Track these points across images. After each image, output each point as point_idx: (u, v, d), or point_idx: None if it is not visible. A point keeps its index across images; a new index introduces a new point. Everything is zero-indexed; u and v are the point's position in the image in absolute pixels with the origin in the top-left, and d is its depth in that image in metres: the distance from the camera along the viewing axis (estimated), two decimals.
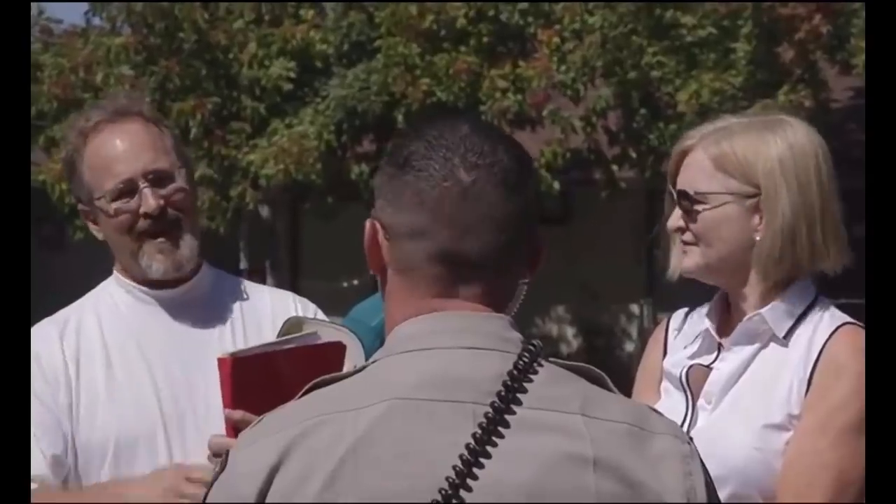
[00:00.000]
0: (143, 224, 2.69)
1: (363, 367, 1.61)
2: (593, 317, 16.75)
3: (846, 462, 2.31)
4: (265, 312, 2.81)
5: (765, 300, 2.43)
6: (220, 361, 2.42)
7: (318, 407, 1.57)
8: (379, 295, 1.68)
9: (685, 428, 2.41)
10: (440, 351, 1.57)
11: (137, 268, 2.74)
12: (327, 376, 1.62)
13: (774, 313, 2.42)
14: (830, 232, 2.40)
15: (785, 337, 2.42)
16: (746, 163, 2.40)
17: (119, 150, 2.69)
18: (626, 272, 17.71)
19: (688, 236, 2.43)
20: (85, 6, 15.21)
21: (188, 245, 2.73)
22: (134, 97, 2.87)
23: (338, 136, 14.64)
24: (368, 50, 14.89)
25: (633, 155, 14.92)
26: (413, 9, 14.32)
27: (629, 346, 17.88)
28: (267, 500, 1.53)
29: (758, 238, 2.42)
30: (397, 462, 1.51)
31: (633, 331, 18.07)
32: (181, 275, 2.75)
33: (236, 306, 2.83)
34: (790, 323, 2.43)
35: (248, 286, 2.92)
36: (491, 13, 14.50)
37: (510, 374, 1.55)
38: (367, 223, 1.64)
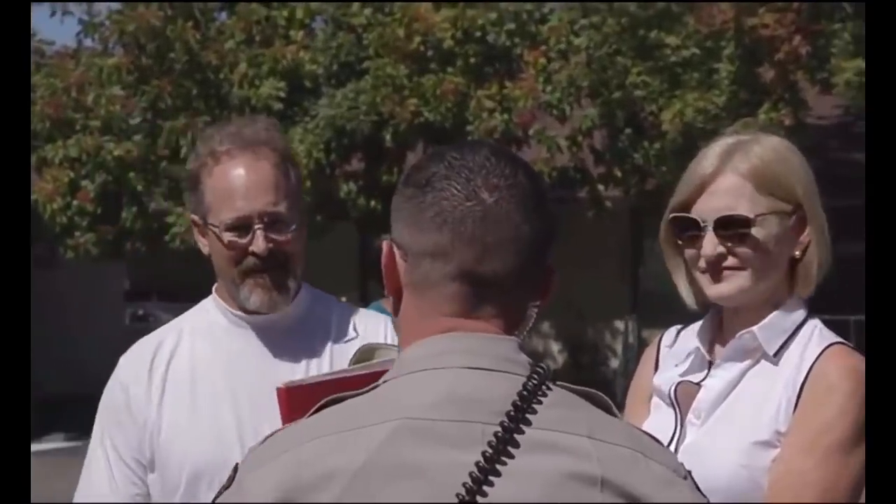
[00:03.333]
0: (250, 261, 2.69)
1: (374, 386, 1.60)
2: (578, 333, 16.75)
3: (831, 481, 2.28)
4: (356, 338, 2.78)
5: (758, 317, 2.40)
6: (278, 391, 2.37)
7: (328, 425, 1.56)
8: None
9: (674, 444, 2.39)
10: (450, 371, 1.57)
11: (236, 295, 2.74)
12: (338, 395, 1.61)
13: (766, 331, 2.39)
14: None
15: (775, 355, 2.39)
16: (781, 178, 2.37)
17: (243, 184, 2.67)
18: (610, 289, 17.71)
19: (731, 262, 2.36)
20: (77, 27, 15.19)
21: (288, 288, 2.71)
22: (270, 125, 2.82)
23: (327, 154, 14.63)
24: (357, 70, 14.89)
25: (619, 174, 14.94)
26: (401, 30, 14.34)
27: (614, 363, 17.87)
28: None
29: (797, 254, 2.39)
30: (407, 481, 1.50)
31: (618, 347, 18.06)
32: (275, 312, 2.73)
33: (328, 333, 2.79)
34: (781, 341, 2.40)
35: (343, 310, 2.88)
36: (478, 34, 14.52)
37: (520, 394, 1.55)
38: (385, 245, 1.63)
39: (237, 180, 2.69)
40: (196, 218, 2.78)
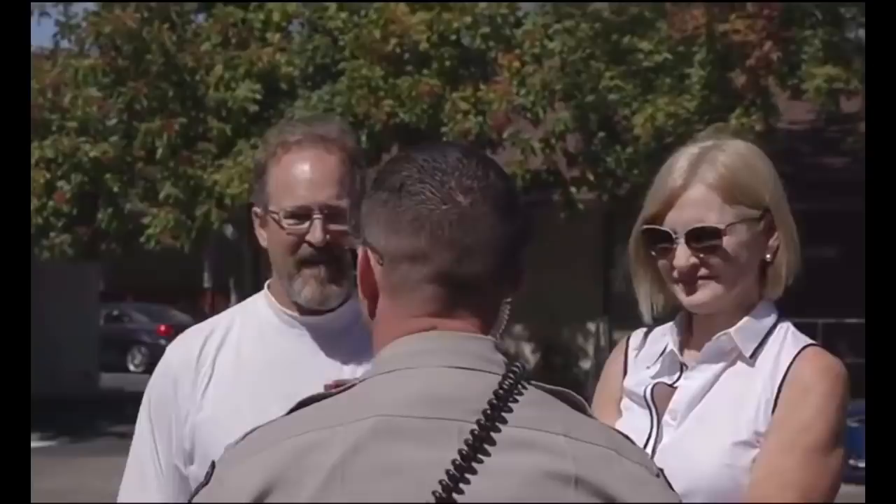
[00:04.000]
0: (306, 250, 2.66)
1: (350, 385, 1.60)
2: (551, 335, 16.77)
3: (811, 481, 2.29)
4: None
5: (732, 320, 2.41)
6: (326, 389, 2.35)
7: (306, 423, 1.56)
8: None
9: (651, 444, 2.39)
10: (426, 369, 1.56)
11: (289, 289, 2.71)
12: (315, 394, 1.61)
13: (742, 333, 2.40)
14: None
15: (751, 356, 2.40)
16: (748, 185, 2.39)
17: (308, 175, 2.67)
18: (583, 292, 17.74)
19: (703, 272, 2.38)
20: (54, 29, 15.13)
21: (341, 284, 2.68)
22: (345, 127, 2.82)
23: None
24: (333, 72, 14.87)
25: (591, 177, 14.97)
26: (377, 33, 14.32)
27: (585, 364, 17.89)
28: None
29: (767, 257, 2.41)
30: (384, 478, 1.50)
31: (590, 348, 18.08)
32: (326, 308, 2.71)
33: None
34: (756, 342, 2.41)
35: None
36: (453, 37, 14.52)
37: (496, 393, 1.55)
38: (360, 251, 1.62)
39: (303, 170, 2.69)
40: (258, 209, 2.76)
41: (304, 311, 2.71)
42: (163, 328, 29.88)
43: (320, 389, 2.36)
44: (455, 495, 1.49)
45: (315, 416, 1.57)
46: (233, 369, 2.72)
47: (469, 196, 1.59)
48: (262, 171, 2.74)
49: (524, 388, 1.57)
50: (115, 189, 14.97)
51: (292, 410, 1.60)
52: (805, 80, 14.15)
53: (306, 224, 2.66)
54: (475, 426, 1.52)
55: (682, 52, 14.21)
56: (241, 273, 17.80)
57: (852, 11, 15.14)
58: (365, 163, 2.80)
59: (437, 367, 1.56)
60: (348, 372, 2.66)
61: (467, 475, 1.50)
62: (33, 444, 15.50)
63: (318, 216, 2.65)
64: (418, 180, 1.59)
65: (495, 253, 1.60)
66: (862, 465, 11.80)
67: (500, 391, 1.55)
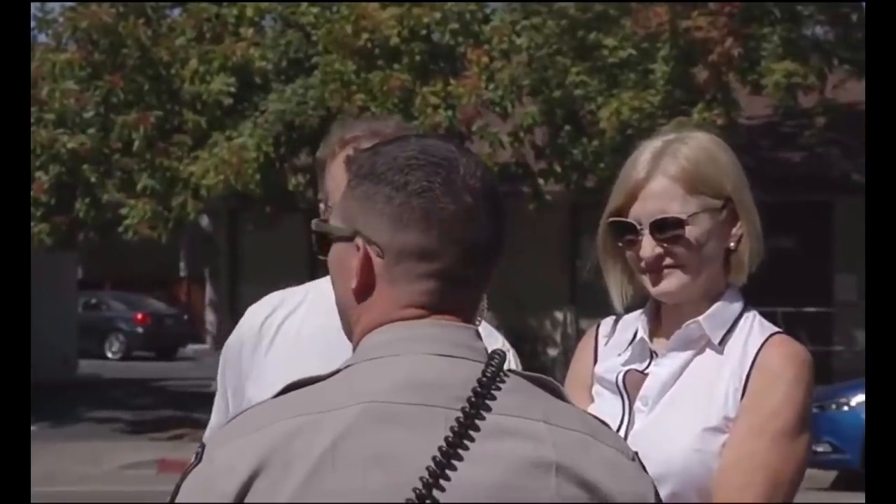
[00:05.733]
0: None
1: (336, 371, 1.59)
2: (519, 323, 16.76)
3: (779, 464, 2.29)
4: None
5: (699, 308, 2.40)
6: None
7: (295, 407, 1.55)
8: None
9: (623, 430, 2.38)
10: (411, 356, 1.56)
11: None
12: (301, 379, 1.60)
13: (711, 321, 2.40)
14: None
15: (720, 343, 2.40)
16: (710, 176, 2.39)
17: None
18: (550, 281, 17.75)
19: (669, 261, 2.38)
20: (31, 23, 15.01)
21: None
22: (401, 123, 2.80)
23: (276, 148, 14.54)
24: (306, 67, 14.81)
25: (558, 169, 14.98)
26: (348, 27, 14.28)
27: (553, 352, 17.91)
28: (245, 501, 1.50)
29: (732, 245, 2.40)
30: (372, 463, 1.50)
31: (557, 336, 18.10)
32: None
33: None
34: (725, 330, 2.41)
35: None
36: (423, 33, 14.49)
37: (479, 381, 1.55)
38: (360, 243, 1.60)
39: None
40: (322, 205, 2.76)
41: None
42: (140, 316, 29.75)
43: None
44: (442, 481, 1.49)
45: (304, 399, 1.56)
46: (293, 341, 2.74)
47: (472, 195, 1.59)
48: (321, 168, 2.75)
49: (506, 375, 1.57)
50: (93, 180, 14.88)
51: (280, 393, 1.59)
52: (765, 76, 14.18)
53: None
54: (460, 413, 1.52)
55: (646, 48, 14.23)
56: (216, 263, 17.71)
57: (809, 9, 15.20)
58: None
59: (421, 354, 1.56)
60: None
61: (454, 461, 1.50)
62: None
63: None
64: (424, 177, 1.58)
65: (491, 251, 1.61)
66: (821, 449, 11.89)
67: (484, 379, 1.54)
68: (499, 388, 1.55)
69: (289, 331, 2.76)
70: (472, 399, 1.53)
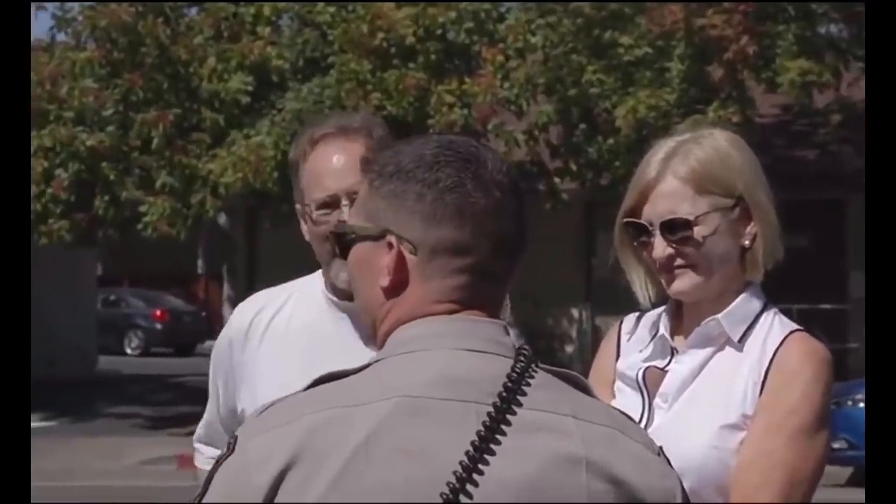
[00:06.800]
0: None
1: (367, 365, 1.59)
2: (535, 321, 16.74)
3: (797, 462, 2.28)
4: None
5: (719, 305, 2.39)
6: None
7: (327, 400, 1.54)
8: None
9: (642, 426, 2.37)
10: (442, 351, 1.56)
11: (327, 275, 2.75)
12: (332, 372, 1.59)
13: (730, 318, 2.38)
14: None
15: (739, 341, 2.39)
16: (720, 176, 2.38)
17: (333, 165, 2.68)
18: (566, 278, 17.72)
19: (680, 261, 2.38)
20: (50, 22, 15.06)
21: None
22: (368, 117, 2.85)
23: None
24: (322, 66, 14.82)
25: (574, 168, 14.96)
26: (364, 27, 14.27)
27: (569, 348, 17.89)
28: (280, 492, 1.50)
29: (746, 243, 2.38)
30: (406, 458, 1.50)
31: (573, 333, 18.07)
32: None
33: None
34: (744, 328, 2.39)
35: None
36: (438, 32, 14.48)
37: (509, 376, 1.54)
38: (392, 241, 1.59)
39: (328, 163, 2.70)
40: (298, 206, 2.79)
41: (342, 295, 2.72)
42: (158, 313, 29.83)
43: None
44: (475, 476, 1.49)
45: (335, 393, 1.55)
46: (281, 339, 2.76)
47: (500, 189, 1.60)
48: (295, 169, 2.77)
49: (534, 370, 1.57)
50: (112, 178, 14.91)
51: (310, 386, 1.58)
52: (780, 74, 14.13)
53: (336, 213, 2.66)
54: (491, 408, 1.51)
55: (662, 46, 14.19)
56: (234, 260, 17.73)
57: (824, 8, 15.15)
58: None
59: (451, 349, 1.56)
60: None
61: (486, 456, 1.49)
62: (33, 425, 15.43)
63: (346, 203, 2.64)
64: (454, 173, 1.58)
65: (517, 245, 1.62)
66: (837, 445, 11.85)
67: (514, 374, 1.54)
68: (528, 384, 1.55)
69: (278, 327, 2.78)
70: (503, 394, 1.52)
